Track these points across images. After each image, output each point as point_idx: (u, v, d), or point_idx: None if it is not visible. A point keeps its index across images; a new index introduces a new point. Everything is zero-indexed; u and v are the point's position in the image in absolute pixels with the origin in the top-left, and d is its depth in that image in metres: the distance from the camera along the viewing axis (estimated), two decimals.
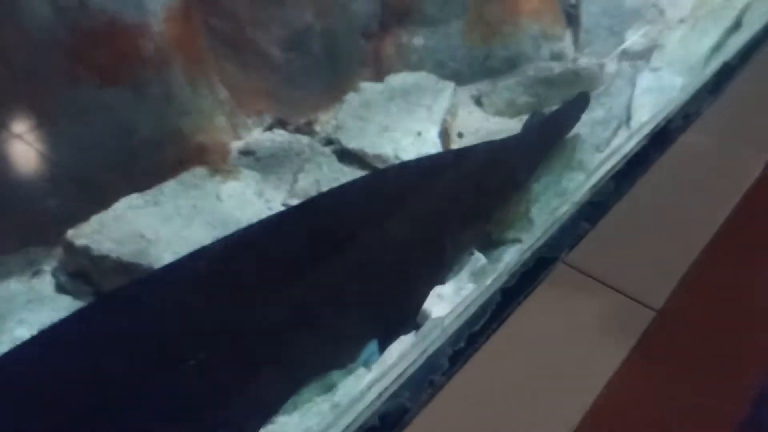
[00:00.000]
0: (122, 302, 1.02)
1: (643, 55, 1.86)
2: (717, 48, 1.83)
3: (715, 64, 1.75)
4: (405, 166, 1.44)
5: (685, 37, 1.88)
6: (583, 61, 1.82)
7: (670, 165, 1.44)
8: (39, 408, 0.87)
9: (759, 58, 1.79)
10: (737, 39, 1.88)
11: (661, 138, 1.50)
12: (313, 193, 1.44)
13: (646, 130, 1.52)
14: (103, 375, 0.90)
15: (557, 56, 1.86)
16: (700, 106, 1.60)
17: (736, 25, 1.93)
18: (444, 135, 1.58)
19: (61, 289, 1.26)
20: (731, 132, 1.54)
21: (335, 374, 1.03)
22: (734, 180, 1.38)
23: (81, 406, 0.87)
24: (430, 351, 1.02)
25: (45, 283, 1.29)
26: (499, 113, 1.73)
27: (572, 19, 1.95)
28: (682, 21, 1.96)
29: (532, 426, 0.92)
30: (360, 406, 0.91)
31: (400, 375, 0.97)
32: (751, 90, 1.67)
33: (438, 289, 1.12)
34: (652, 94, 1.67)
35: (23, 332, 1.15)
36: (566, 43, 1.91)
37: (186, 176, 1.41)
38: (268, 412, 0.97)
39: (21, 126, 1.32)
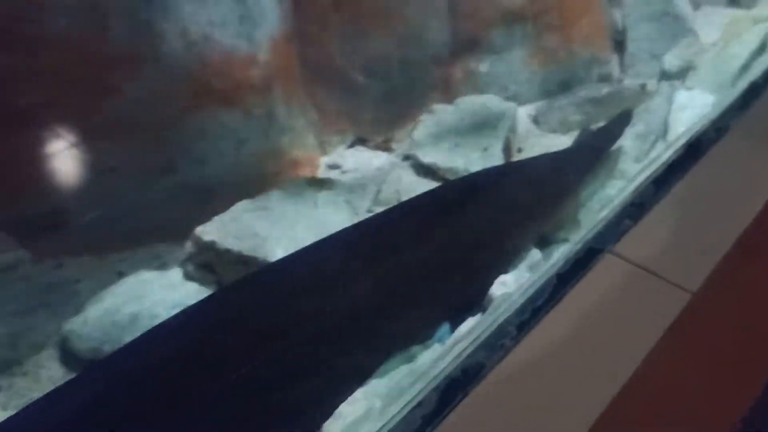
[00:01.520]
0: (246, 288, 1.12)
1: (679, 75, 1.89)
2: (745, 68, 1.86)
3: (743, 83, 1.77)
4: (474, 176, 1.51)
5: (716, 58, 1.91)
6: (627, 82, 1.88)
7: (703, 172, 1.47)
8: (190, 371, 0.95)
9: None
10: (763, 60, 1.88)
11: (694, 149, 1.53)
12: (394, 202, 1.51)
13: (681, 142, 1.54)
14: (232, 347, 0.99)
15: (605, 78, 1.91)
16: (729, 121, 1.62)
17: (762, 48, 1.95)
18: (506, 150, 1.64)
19: (188, 277, 1.34)
20: (758, 142, 1.56)
21: (415, 348, 1.12)
22: (761, 183, 1.42)
23: (219, 371, 0.95)
24: (500, 320, 1.09)
25: (173, 272, 1.37)
26: (553, 130, 1.78)
27: (618, 45, 2.00)
28: (713, 44, 1.99)
29: (582, 384, 1.00)
30: (444, 364, 1.01)
31: (476, 339, 1.05)
32: None
33: (501, 278, 1.20)
34: (687, 111, 1.70)
35: (159, 311, 1.24)
36: (613, 66, 1.96)
37: (288, 186, 1.48)
38: (365, 376, 1.06)
39: (152, 144, 1.40)
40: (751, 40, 1.95)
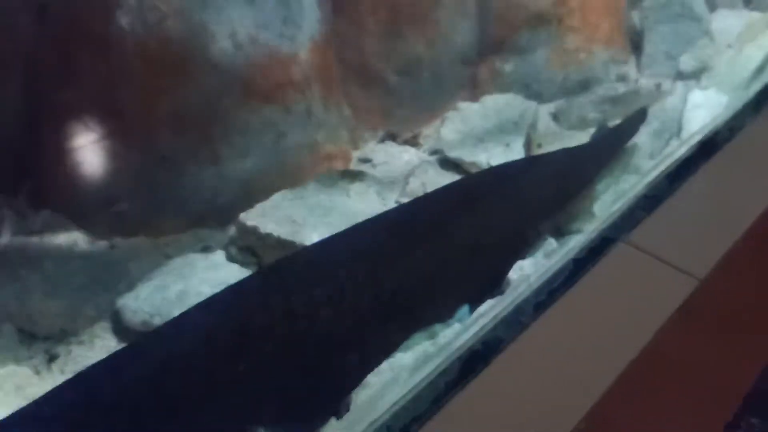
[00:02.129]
0: (285, 268, 1.15)
1: (695, 75, 1.90)
2: (760, 70, 1.86)
3: (758, 85, 1.78)
4: (496, 169, 1.54)
5: (732, 60, 1.92)
6: (643, 82, 1.90)
7: (715, 168, 1.50)
8: (234, 341, 0.99)
9: None
10: None
11: (707, 147, 1.56)
12: (421, 193, 1.53)
13: (695, 140, 1.58)
14: (272, 321, 1.02)
15: (622, 78, 1.93)
16: (742, 121, 1.65)
17: None
18: (527, 145, 1.67)
19: (231, 259, 1.38)
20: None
21: (437, 327, 1.15)
22: None
23: (260, 342, 1.00)
24: (518, 301, 1.14)
25: (216, 254, 1.40)
26: (572, 127, 1.80)
27: (636, 46, 2.03)
28: (729, 46, 1.99)
29: (593, 357, 1.06)
30: (467, 337, 1.06)
31: (496, 316, 1.10)
32: None
33: (519, 263, 1.24)
34: (701, 110, 1.72)
35: (205, 288, 1.25)
36: (630, 66, 1.98)
37: (322, 177, 1.52)
38: (391, 350, 1.10)
39: (200, 137, 1.44)
40: (766, 42, 1.96)
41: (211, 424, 0.94)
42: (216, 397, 0.95)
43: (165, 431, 0.90)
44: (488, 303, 1.17)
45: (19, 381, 1.12)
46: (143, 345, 1.08)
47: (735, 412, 1.00)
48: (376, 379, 1.05)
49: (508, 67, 1.89)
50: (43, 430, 0.85)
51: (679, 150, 1.54)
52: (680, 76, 1.94)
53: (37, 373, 1.18)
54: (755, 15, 2.18)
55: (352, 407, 1.00)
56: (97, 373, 0.93)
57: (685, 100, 1.76)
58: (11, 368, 1.14)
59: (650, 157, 1.58)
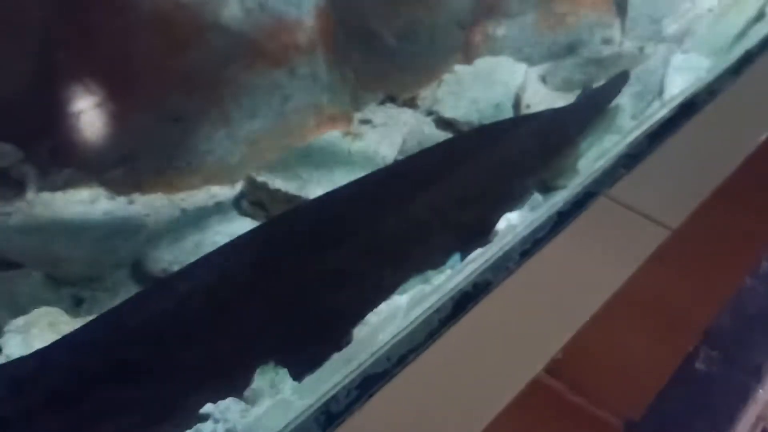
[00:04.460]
0: (293, 218, 1.24)
1: (676, 39, 1.93)
2: (741, 35, 1.88)
3: (739, 50, 1.77)
4: (486, 128, 1.60)
5: (713, 24, 1.94)
6: (627, 45, 1.93)
7: (693, 129, 1.51)
8: (247, 281, 1.07)
9: None
10: (759, 28, 1.89)
11: (687, 109, 1.57)
12: (416, 150, 1.57)
13: (676, 102, 1.58)
14: (281, 264, 1.11)
15: (607, 41, 1.96)
16: (722, 85, 1.65)
17: (760, 16, 1.95)
18: (516, 106, 1.72)
19: (243, 213, 1.44)
20: (745, 107, 1.60)
21: (430, 272, 1.22)
22: (746, 140, 1.47)
23: (270, 283, 1.08)
24: (507, 248, 1.17)
25: (228, 208, 1.46)
26: (558, 88, 1.84)
27: (621, 9, 2.04)
28: (710, 10, 2.01)
29: (572, 296, 1.11)
30: (459, 280, 1.11)
31: (486, 261, 1.14)
32: (766, 74, 1.71)
33: (506, 215, 1.28)
34: (682, 72, 1.75)
35: (220, 238, 1.31)
36: (615, 30, 2.00)
37: (326, 137, 1.58)
38: (389, 292, 1.16)
39: (212, 98, 1.48)
40: (748, 8, 1.96)
41: (227, 354, 1.01)
42: (231, 330, 1.03)
43: (187, 358, 0.98)
44: (478, 251, 1.21)
45: (52, 319, 1.17)
46: (167, 285, 1.17)
47: (696, 344, 1.08)
48: (375, 317, 1.10)
49: (500, 31, 1.93)
50: (88, 351, 0.94)
51: (659, 111, 1.56)
52: (663, 39, 1.96)
53: (68, 313, 1.22)
54: None
55: (353, 342, 1.05)
56: (130, 307, 1.02)
57: (666, 63, 1.80)
58: (44, 309, 1.19)
59: (633, 118, 1.63)
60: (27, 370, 0.92)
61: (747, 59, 1.75)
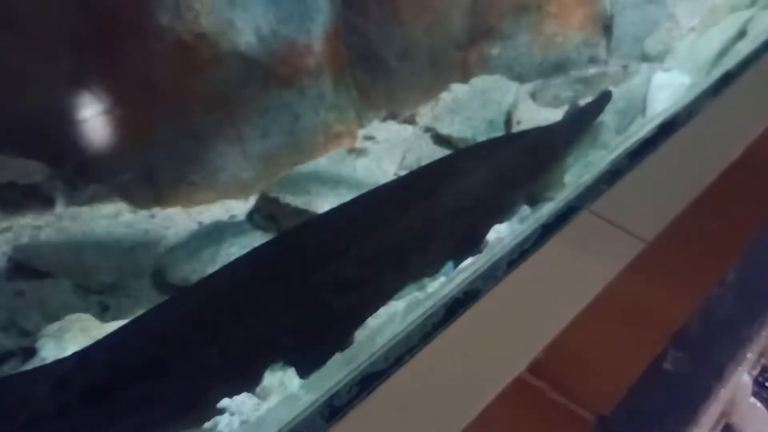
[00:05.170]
0: (302, 232, 1.30)
1: (659, 57, 1.99)
2: (722, 54, 1.94)
3: (719, 69, 1.82)
4: (480, 145, 1.67)
5: (694, 43, 1.99)
6: (612, 63, 1.99)
7: (675, 145, 1.56)
8: (261, 290, 1.14)
9: (758, 67, 1.85)
10: (740, 47, 1.94)
11: (669, 126, 1.61)
12: (416, 166, 1.65)
13: (658, 120, 1.63)
14: (291, 274, 1.17)
15: (593, 59, 2.03)
16: (703, 103, 1.70)
17: (741, 34, 2.01)
18: (507, 122, 1.79)
19: (255, 226, 1.50)
20: (724, 123, 1.65)
21: (425, 279, 1.27)
22: (721, 157, 1.53)
23: (281, 291, 1.14)
24: (496, 258, 1.23)
25: (242, 222, 1.53)
26: (548, 105, 1.90)
27: (606, 29, 2.10)
28: (692, 29, 2.07)
29: (554, 301, 1.18)
30: (450, 288, 1.18)
31: (476, 271, 1.20)
32: (744, 93, 1.77)
33: (496, 227, 1.34)
34: (664, 90, 1.80)
35: (234, 250, 1.37)
36: (601, 49, 2.06)
37: (332, 154, 1.64)
38: (388, 298, 1.22)
39: (227, 118, 1.54)
40: (728, 28, 2.03)
41: (241, 353, 1.10)
42: (244, 333, 1.11)
43: (206, 358, 1.07)
44: (469, 260, 1.27)
45: (83, 324, 1.22)
46: (188, 293, 1.25)
47: (664, 346, 1.17)
48: (374, 321, 1.16)
49: (494, 51, 1.99)
50: (121, 352, 1.04)
51: (640, 130, 1.61)
52: (645, 58, 2.02)
53: (95, 319, 1.26)
54: None
55: (354, 343, 1.12)
56: (156, 313, 1.12)
57: (649, 81, 1.86)
58: (76, 315, 1.23)
59: (617, 133, 1.69)
60: (69, 368, 1.02)
61: (725, 79, 1.80)
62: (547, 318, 1.16)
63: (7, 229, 1.43)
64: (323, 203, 1.46)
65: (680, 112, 1.66)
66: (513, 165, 1.52)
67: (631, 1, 2.10)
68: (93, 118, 1.49)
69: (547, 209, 1.38)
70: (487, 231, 1.34)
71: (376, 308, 1.19)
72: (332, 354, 1.08)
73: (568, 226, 1.35)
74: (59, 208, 1.50)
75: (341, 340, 1.13)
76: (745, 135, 1.60)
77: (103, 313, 1.32)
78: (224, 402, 1.01)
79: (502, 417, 1.04)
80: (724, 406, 1.15)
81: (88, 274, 1.38)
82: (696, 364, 1.16)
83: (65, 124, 1.47)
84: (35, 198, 1.48)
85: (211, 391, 1.03)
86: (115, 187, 1.54)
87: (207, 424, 1.01)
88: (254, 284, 1.16)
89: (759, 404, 1.26)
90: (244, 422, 1.00)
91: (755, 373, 1.27)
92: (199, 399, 1.03)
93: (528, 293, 1.22)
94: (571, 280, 1.25)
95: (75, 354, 1.07)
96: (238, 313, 1.12)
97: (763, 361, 1.29)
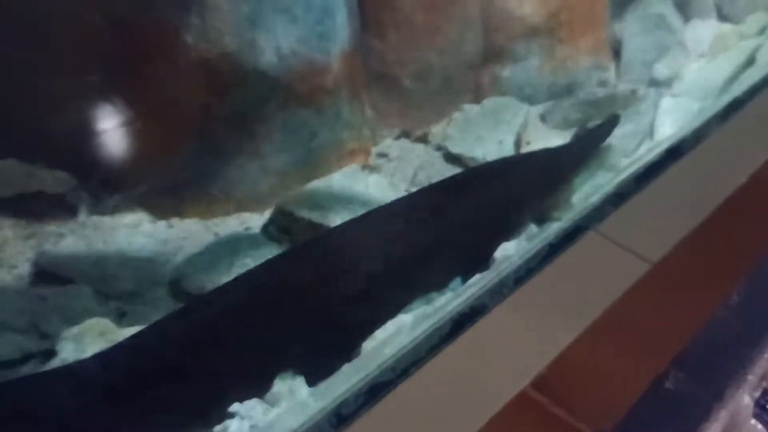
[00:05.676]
0: (316, 245, 1.33)
1: (667, 82, 1.99)
2: (731, 80, 1.94)
3: (728, 95, 1.82)
4: (489, 164, 1.68)
5: (703, 69, 2.01)
6: (621, 87, 2.00)
7: (681, 170, 1.56)
8: (274, 299, 1.16)
9: (766, 94, 1.85)
10: (749, 74, 1.95)
11: (676, 150, 1.62)
12: (427, 184, 1.66)
13: (666, 144, 1.63)
14: (304, 285, 1.19)
15: (602, 83, 2.05)
16: (710, 128, 1.70)
17: (750, 61, 2.02)
18: (517, 143, 1.81)
19: (270, 237, 1.51)
20: (731, 149, 1.66)
21: (433, 294, 1.29)
22: (727, 183, 1.52)
23: (293, 301, 1.16)
24: (503, 275, 1.24)
25: (257, 234, 1.54)
26: (557, 127, 1.91)
27: (616, 54, 2.12)
28: (701, 56, 2.07)
29: (559, 319, 1.19)
30: (458, 302, 1.20)
31: (483, 287, 1.22)
32: (751, 120, 1.77)
33: (504, 245, 1.35)
34: (672, 115, 1.81)
35: (249, 261, 1.39)
36: (610, 73, 2.08)
37: (346, 170, 1.66)
38: (396, 311, 1.23)
39: (247, 134, 1.57)
40: (737, 55, 2.04)
41: (252, 360, 1.13)
42: (257, 341, 1.14)
43: (219, 365, 1.09)
44: (476, 276, 1.28)
45: (102, 329, 1.24)
46: (204, 302, 1.27)
47: (666, 366, 1.17)
48: (382, 333, 1.18)
49: (505, 73, 2.00)
50: (138, 356, 1.07)
51: (647, 154, 1.61)
52: (654, 83, 2.02)
53: (114, 324, 1.28)
54: (726, 26, 2.24)
55: (362, 354, 1.14)
56: (172, 320, 1.15)
57: (656, 106, 1.86)
58: (95, 320, 1.26)
59: (625, 156, 1.70)
60: (89, 370, 1.05)
61: (732, 106, 1.80)
62: (552, 335, 1.17)
63: (32, 236, 1.46)
64: (336, 217, 1.47)
65: (687, 136, 1.67)
66: (522, 184, 1.54)
67: (641, 27, 2.12)
68: (119, 132, 1.53)
69: (554, 229, 1.40)
70: (495, 248, 1.35)
71: (384, 321, 1.20)
72: (341, 364, 1.10)
73: (575, 245, 1.35)
74: (82, 216, 1.53)
75: (350, 350, 1.15)
76: (751, 161, 1.61)
77: (121, 318, 1.34)
78: (235, 406, 1.03)
79: (505, 430, 1.05)
80: (725, 427, 1.15)
81: (108, 282, 1.40)
82: (697, 384, 1.16)
83: (93, 137, 1.51)
84: (60, 207, 1.50)
85: (222, 395, 1.05)
86: (136, 198, 1.56)
87: (218, 427, 1.03)
88: (267, 294, 1.18)
89: (760, 426, 1.26)
90: (253, 426, 1.02)
91: (756, 395, 1.26)
92: (210, 403, 1.06)
93: (534, 310, 1.23)
94: (577, 299, 1.26)
95: (95, 355, 1.10)
96: (250, 322, 1.14)
97: (764, 383, 1.28)
